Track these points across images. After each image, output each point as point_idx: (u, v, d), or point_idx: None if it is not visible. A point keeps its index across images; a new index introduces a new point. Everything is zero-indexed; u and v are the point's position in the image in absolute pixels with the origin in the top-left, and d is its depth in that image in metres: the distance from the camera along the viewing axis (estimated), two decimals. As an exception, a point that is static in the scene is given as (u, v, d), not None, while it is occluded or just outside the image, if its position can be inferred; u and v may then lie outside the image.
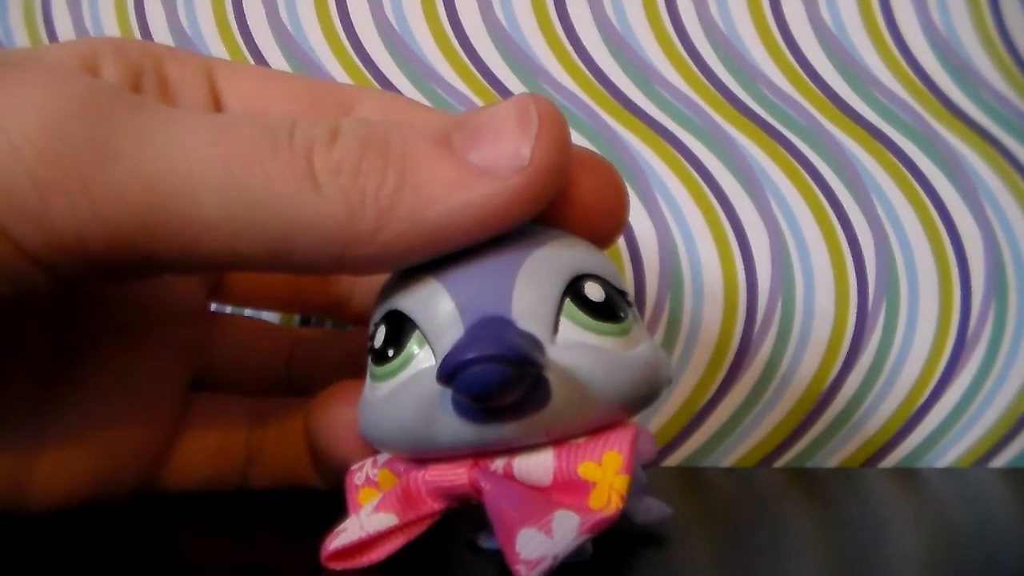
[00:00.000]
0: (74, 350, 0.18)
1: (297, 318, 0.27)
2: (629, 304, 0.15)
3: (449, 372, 0.12)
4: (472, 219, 0.13)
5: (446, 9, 0.28)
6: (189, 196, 0.13)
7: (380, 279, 0.15)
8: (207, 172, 0.13)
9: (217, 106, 0.17)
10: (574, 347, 0.13)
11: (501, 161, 0.13)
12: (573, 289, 0.14)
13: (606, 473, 0.13)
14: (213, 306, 0.22)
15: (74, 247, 0.13)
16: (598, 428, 0.14)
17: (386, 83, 0.28)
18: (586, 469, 0.13)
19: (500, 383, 0.12)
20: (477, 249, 0.14)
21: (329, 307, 0.22)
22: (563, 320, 0.13)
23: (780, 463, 0.27)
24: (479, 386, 0.12)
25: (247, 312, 0.25)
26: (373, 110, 0.18)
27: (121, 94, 0.14)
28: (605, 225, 0.16)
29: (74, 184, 0.13)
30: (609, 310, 0.14)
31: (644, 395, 0.14)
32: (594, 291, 0.14)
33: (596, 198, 0.15)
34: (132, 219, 0.13)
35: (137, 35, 0.28)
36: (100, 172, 0.13)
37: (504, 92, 0.28)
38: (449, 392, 0.13)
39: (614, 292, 0.14)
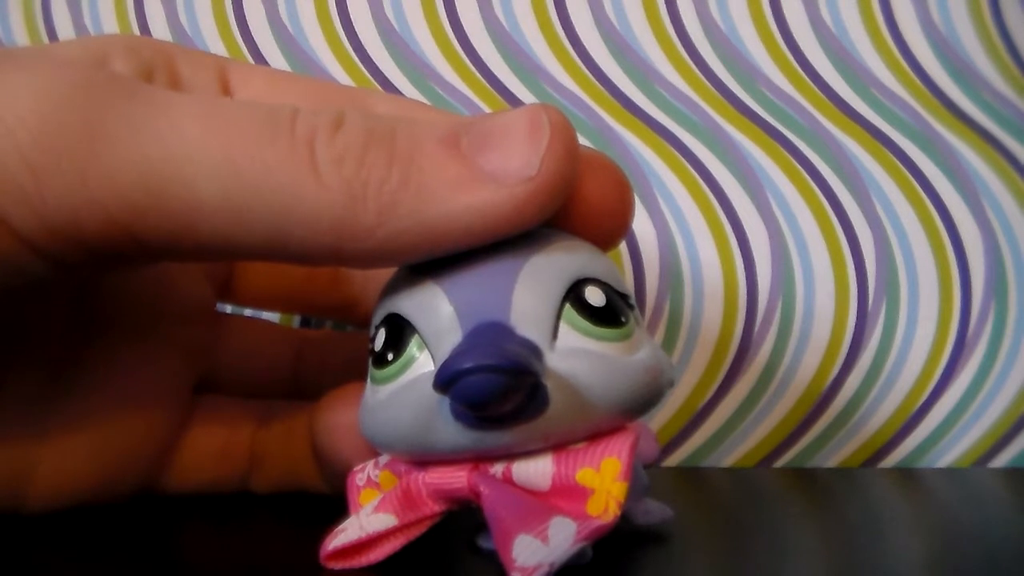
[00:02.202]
0: (79, 348, 0.18)
1: (297, 318, 0.27)
2: (631, 307, 0.14)
3: (445, 381, 0.12)
4: (475, 223, 0.13)
5: (446, 9, 0.28)
6: (185, 181, 0.13)
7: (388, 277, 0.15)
8: (204, 157, 0.13)
9: None
10: (573, 353, 0.13)
11: (509, 168, 0.13)
12: (574, 293, 0.13)
13: (604, 480, 0.13)
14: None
15: (69, 231, 0.13)
16: (598, 433, 0.13)
17: (386, 83, 0.28)
18: (584, 475, 0.13)
19: (496, 392, 0.12)
20: (477, 252, 0.13)
21: (338, 309, 0.22)
22: (563, 325, 0.13)
23: (780, 463, 0.27)
24: (475, 395, 0.12)
25: (247, 312, 0.25)
26: (383, 112, 0.17)
27: (117, 79, 0.14)
28: (610, 226, 0.15)
29: (68, 168, 0.13)
30: (610, 315, 0.14)
31: (645, 400, 0.14)
32: (595, 296, 0.14)
33: (601, 198, 0.15)
34: (127, 203, 0.13)
35: (137, 34, 0.28)
36: (94, 156, 0.13)
37: (503, 92, 0.28)
38: (447, 398, 0.13)
39: (615, 296, 0.14)
